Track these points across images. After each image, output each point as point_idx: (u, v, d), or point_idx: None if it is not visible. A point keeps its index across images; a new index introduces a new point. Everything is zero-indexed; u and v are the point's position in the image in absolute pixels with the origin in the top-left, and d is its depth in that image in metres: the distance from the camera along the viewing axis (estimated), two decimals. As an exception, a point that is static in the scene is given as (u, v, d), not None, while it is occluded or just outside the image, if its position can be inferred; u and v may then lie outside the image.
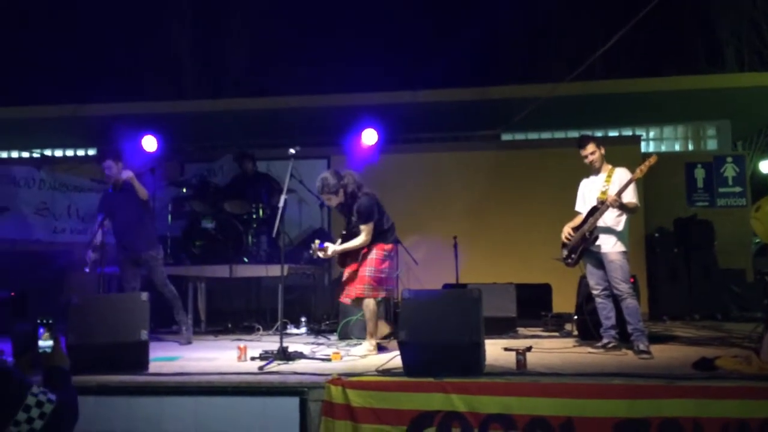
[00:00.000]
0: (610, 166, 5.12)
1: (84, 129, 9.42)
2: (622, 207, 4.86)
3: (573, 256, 5.08)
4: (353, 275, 5.12)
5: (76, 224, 7.96)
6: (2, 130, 9.56)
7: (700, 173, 9.28)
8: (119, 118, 8.56)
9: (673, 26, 15.89)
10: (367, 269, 5.07)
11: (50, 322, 2.39)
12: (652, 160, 4.84)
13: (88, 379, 4.00)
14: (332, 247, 5.09)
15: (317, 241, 5.13)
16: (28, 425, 2.09)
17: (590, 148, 5.09)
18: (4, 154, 10.50)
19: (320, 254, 5.11)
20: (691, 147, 10.29)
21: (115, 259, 5.95)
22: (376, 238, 5.12)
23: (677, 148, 10.36)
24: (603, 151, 5.13)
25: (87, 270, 5.82)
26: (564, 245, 5.16)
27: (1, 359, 2.28)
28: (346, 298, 5.20)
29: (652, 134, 10.36)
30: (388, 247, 5.18)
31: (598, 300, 5.12)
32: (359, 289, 5.07)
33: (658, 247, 8.09)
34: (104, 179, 5.87)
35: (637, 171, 4.85)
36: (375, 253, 5.09)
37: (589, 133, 9.64)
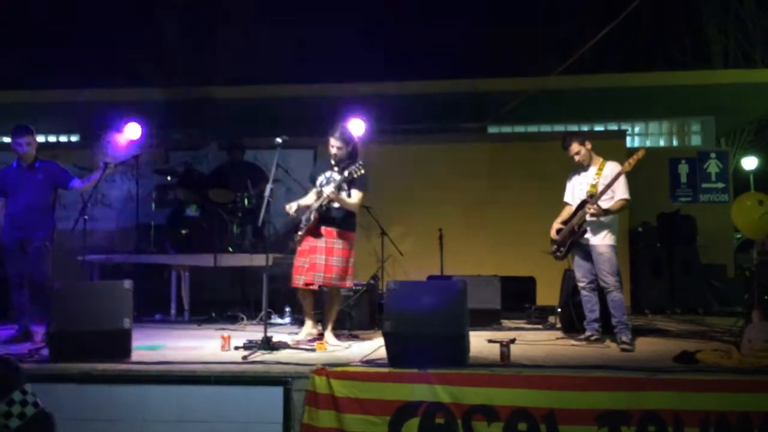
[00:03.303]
0: (600, 159, 5.13)
1: (67, 115, 9.29)
2: (607, 212, 4.90)
3: (562, 249, 5.11)
4: (315, 260, 4.97)
5: (58, 211, 7.86)
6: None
7: (683, 169, 9.36)
8: (104, 104, 8.45)
9: (661, 21, 15.96)
10: (335, 259, 4.98)
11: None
12: (640, 153, 4.89)
13: (71, 366, 3.97)
14: (328, 189, 4.87)
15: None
16: (4, 419, 2.03)
17: (575, 147, 5.11)
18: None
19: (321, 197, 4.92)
20: (675, 142, 10.38)
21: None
22: (345, 223, 5.07)
23: (662, 143, 10.45)
24: (589, 146, 5.14)
25: None
26: (553, 240, 5.19)
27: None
28: (307, 285, 5.00)
29: (637, 129, 10.43)
30: (353, 235, 5.17)
31: (583, 293, 5.15)
32: (327, 278, 4.96)
33: (641, 242, 8.15)
34: (22, 154, 5.38)
35: (625, 165, 4.91)
36: (342, 243, 5.02)
37: (574, 127, 9.76)
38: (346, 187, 5.00)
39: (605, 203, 4.96)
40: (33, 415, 2.05)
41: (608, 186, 4.91)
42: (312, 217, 5.00)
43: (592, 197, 4.95)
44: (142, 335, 5.38)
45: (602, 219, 4.98)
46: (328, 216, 5.03)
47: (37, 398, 2.10)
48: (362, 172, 4.85)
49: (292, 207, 5.17)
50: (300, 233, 5.08)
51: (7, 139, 9.60)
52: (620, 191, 4.95)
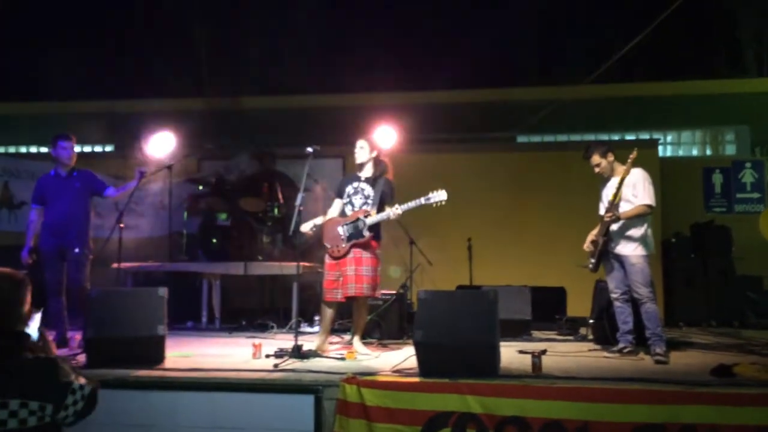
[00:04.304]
0: (623, 168, 5.07)
1: (101, 125, 9.48)
2: (621, 218, 4.85)
3: (592, 260, 5.06)
4: (346, 272, 4.98)
5: (93, 219, 8.02)
6: (24, 125, 9.67)
7: (717, 178, 9.20)
8: (138, 115, 8.62)
9: (693, 29, 15.73)
10: (364, 269, 4.99)
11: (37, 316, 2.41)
12: (633, 155, 4.87)
13: (106, 372, 4.03)
14: (396, 211, 4.89)
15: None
16: (73, 407, 2.24)
17: (596, 159, 5.08)
18: (23, 149, 10.61)
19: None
20: (709, 152, 10.21)
21: (36, 250, 5.46)
22: (372, 233, 5.06)
23: (695, 152, 10.29)
24: (611, 157, 5.09)
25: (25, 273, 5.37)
26: (589, 253, 5.14)
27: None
28: (342, 298, 5.01)
29: (669, 138, 10.29)
30: (379, 245, 5.16)
31: (616, 304, 5.08)
32: (358, 288, 4.96)
33: (675, 253, 8.02)
34: (65, 159, 5.50)
35: (623, 170, 4.89)
36: (370, 253, 5.03)
37: (605, 136, 9.67)
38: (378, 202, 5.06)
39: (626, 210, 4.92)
40: (89, 393, 2.30)
41: (617, 191, 4.88)
42: (365, 235, 4.95)
43: (616, 207, 4.91)
44: (174, 342, 5.44)
45: (633, 228, 4.91)
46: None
47: (80, 375, 2.32)
48: (443, 203, 4.86)
49: (307, 227, 5.19)
50: (343, 245, 5.02)
51: (43, 149, 9.88)
52: (641, 196, 4.88)
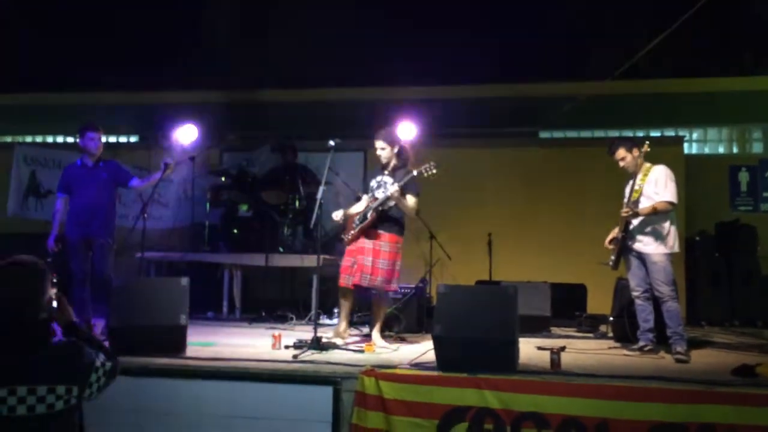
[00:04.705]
0: (648, 165, 5.03)
1: (127, 116, 9.59)
2: (639, 214, 4.83)
3: (612, 257, 5.03)
4: (363, 261, 5.03)
5: (118, 209, 8.13)
6: (51, 115, 9.83)
7: (744, 177, 9.05)
8: (162, 106, 8.71)
9: (719, 25, 15.46)
10: (381, 261, 5.03)
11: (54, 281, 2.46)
12: (645, 147, 4.91)
13: (129, 360, 4.09)
14: (393, 187, 4.93)
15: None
16: (97, 384, 2.33)
17: (620, 153, 5.03)
18: (50, 139, 10.78)
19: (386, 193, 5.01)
20: (735, 150, 10.03)
21: (62, 239, 5.53)
22: (395, 226, 5.13)
23: (721, 150, 10.11)
24: (636, 153, 5.03)
25: (50, 261, 5.11)
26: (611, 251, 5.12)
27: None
28: (351, 284, 5.07)
29: (695, 135, 10.13)
30: (401, 239, 5.20)
31: (638, 302, 5.04)
32: (372, 280, 5.01)
33: (699, 251, 7.92)
34: (93, 150, 5.56)
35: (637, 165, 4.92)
36: (389, 246, 5.07)
37: (629, 133, 9.56)
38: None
39: (652, 215, 4.87)
40: (110, 368, 2.40)
41: (634, 186, 4.88)
42: (369, 216, 5.05)
43: (635, 203, 4.88)
44: (195, 332, 5.46)
45: (654, 226, 4.87)
46: (380, 218, 5.08)
47: (99, 353, 2.40)
48: (434, 171, 4.92)
49: (338, 215, 5.25)
50: (353, 231, 5.13)
51: (70, 139, 10.02)
52: (662, 194, 4.84)
